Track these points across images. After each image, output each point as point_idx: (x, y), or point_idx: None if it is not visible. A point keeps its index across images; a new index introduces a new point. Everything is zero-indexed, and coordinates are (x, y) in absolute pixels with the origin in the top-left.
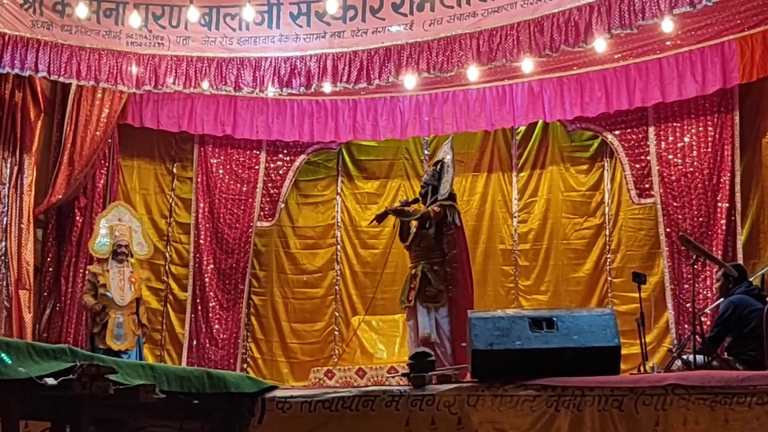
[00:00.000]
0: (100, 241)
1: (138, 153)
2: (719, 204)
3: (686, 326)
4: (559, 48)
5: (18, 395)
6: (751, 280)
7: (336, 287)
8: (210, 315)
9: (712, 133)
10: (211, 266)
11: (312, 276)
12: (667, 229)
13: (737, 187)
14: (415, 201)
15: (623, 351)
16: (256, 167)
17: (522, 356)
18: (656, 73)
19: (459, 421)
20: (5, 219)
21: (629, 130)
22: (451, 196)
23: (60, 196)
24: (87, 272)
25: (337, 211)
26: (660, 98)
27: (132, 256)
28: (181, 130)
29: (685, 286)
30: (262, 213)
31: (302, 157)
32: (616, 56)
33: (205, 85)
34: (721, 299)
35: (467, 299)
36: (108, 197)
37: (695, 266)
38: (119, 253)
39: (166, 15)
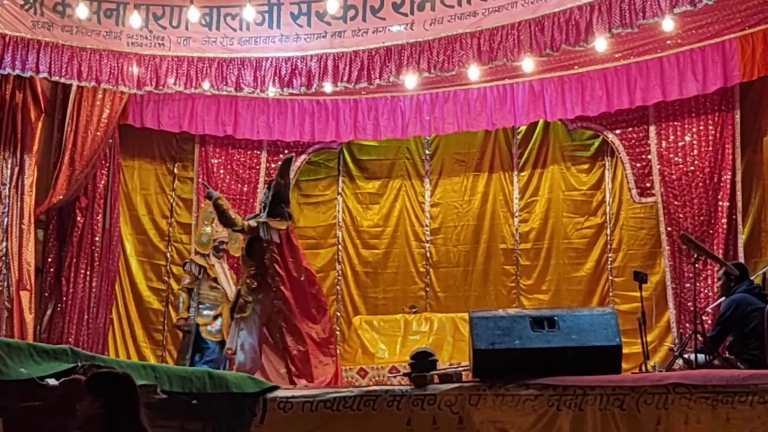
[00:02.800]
0: (203, 235)
1: (139, 153)
2: (720, 203)
3: (687, 325)
4: (560, 47)
5: (19, 396)
6: (752, 278)
7: (337, 287)
8: None
9: (713, 132)
10: None
11: None
12: (668, 228)
13: (738, 186)
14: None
15: (624, 350)
16: (257, 167)
17: (523, 356)
18: (657, 72)
19: (460, 421)
20: (6, 219)
21: (630, 129)
22: (281, 215)
23: (61, 197)
24: (189, 263)
25: (339, 211)
26: (661, 97)
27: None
28: (182, 130)
29: (687, 285)
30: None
31: (303, 157)
32: (616, 55)
33: (205, 85)
34: (723, 298)
35: (280, 313)
36: (109, 197)
37: (696, 265)
38: (221, 249)
39: (166, 15)
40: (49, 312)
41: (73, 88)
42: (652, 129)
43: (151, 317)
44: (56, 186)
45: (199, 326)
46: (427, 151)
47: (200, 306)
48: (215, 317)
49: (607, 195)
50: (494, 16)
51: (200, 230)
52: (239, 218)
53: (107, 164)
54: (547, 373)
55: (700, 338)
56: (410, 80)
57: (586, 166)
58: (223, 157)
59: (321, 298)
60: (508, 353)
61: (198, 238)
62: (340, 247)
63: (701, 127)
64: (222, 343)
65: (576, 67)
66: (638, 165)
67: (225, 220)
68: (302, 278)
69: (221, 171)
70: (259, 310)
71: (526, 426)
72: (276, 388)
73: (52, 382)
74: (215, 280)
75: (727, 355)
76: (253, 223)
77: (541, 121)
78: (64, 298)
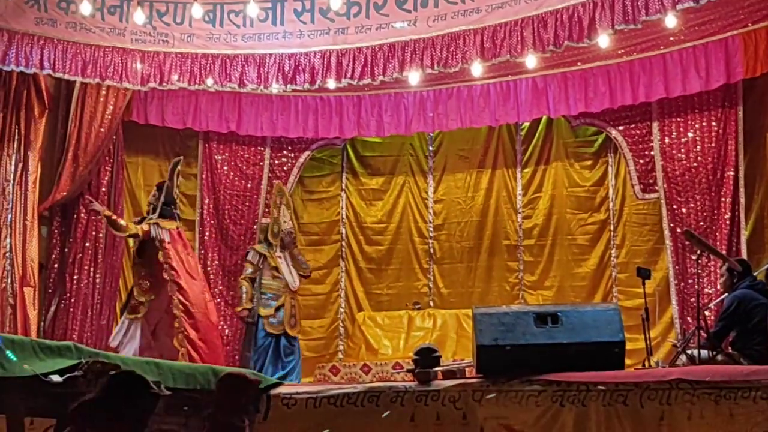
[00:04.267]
0: (275, 224)
1: (143, 150)
2: (723, 199)
3: (690, 321)
4: (563, 44)
5: (23, 392)
6: (755, 274)
7: (341, 283)
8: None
9: (716, 128)
10: (216, 263)
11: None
12: (672, 224)
13: (741, 182)
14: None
15: (628, 346)
16: (261, 164)
17: (527, 352)
18: (660, 69)
19: (464, 417)
20: (10, 216)
21: (633, 125)
22: (171, 215)
23: (65, 193)
24: (251, 251)
25: (342, 208)
26: (664, 93)
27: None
28: (186, 126)
29: (690, 281)
30: (266, 209)
31: (307, 153)
32: (619, 52)
33: (209, 81)
34: (726, 294)
35: (179, 305)
36: (113, 194)
37: (699, 261)
38: (289, 240)
39: (170, 12)
40: (52, 308)
41: (77, 85)
42: (655, 125)
43: None
44: (60, 182)
45: (262, 318)
46: (430, 148)
47: (262, 296)
48: (277, 308)
49: (611, 191)
50: (497, 12)
51: (271, 220)
52: (132, 224)
53: (111, 161)
54: (551, 369)
55: (703, 334)
56: (413, 77)
57: (589, 163)
58: (226, 154)
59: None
60: (511, 349)
61: (270, 230)
62: (343, 243)
63: (704, 124)
64: (286, 336)
65: (579, 63)
66: (641, 161)
67: (116, 227)
68: (195, 273)
69: (225, 167)
70: (151, 311)
71: (529, 422)
72: (279, 384)
73: (56, 378)
74: (276, 269)
75: (731, 351)
76: (145, 226)
77: (544, 118)
78: (68, 295)
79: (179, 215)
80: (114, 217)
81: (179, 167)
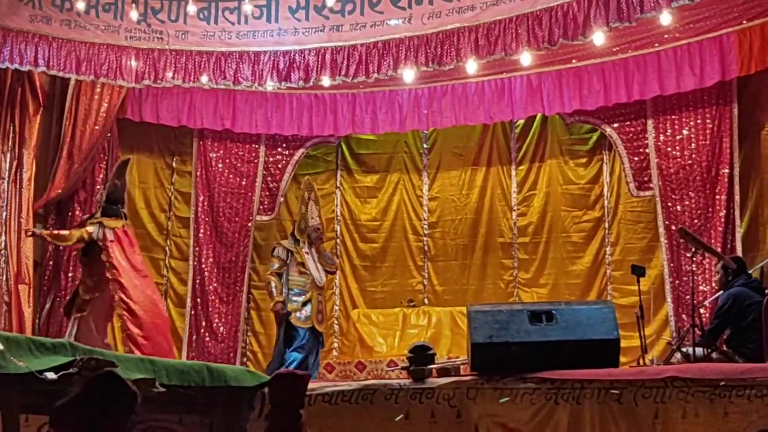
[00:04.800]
0: (303, 221)
1: (137, 147)
2: (718, 196)
3: (685, 319)
4: (558, 41)
5: (18, 389)
6: (750, 272)
7: (336, 281)
8: (210, 309)
9: (711, 126)
10: (211, 260)
11: None
12: (666, 222)
13: (736, 180)
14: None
15: (622, 344)
16: (256, 161)
17: (521, 349)
18: (655, 66)
19: (458, 415)
20: (4, 213)
21: (628, 122)
22: (116, 214)
23: (59, 191)
24: (278, 247)
25: (337, 205)
26: (658, 91)
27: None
28: (181, 124)
29: (684, 278)
30: (261, 207)
31: (301, 150)
32: (614, 49)
33: (204, 79)
34: (721, 292)
35: (121, 303)
36: None
37: (694, 259)
38: (317, 237)
39: (165, 9)
40: (47, 306)
41: (72, 82)
42: (650, 123)
43: None
44: (55, 180)
45: (289, 313)
46: (425, 145)
47: (289, 292)
48: (304, 303)
49: (605, 189)
50: (492, 9)
51: (300, 215)
52: (75, 231)
53: (106, 158)
54: (545, 367)
55: (698, 332)
56: (408, 74)
57: (584, 160)
58: (221, 151)
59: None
60: (506, 347)
61: (297, 223)
62: (338, 240)
63: (699, 121)
64: (311, 329)
65: (574, 61)
66: (636, 159)
67: (61, 240)
68: (140, 272)
69: (219, 165)
70: (97, 308)
71: (524, 420)
72: None
73: (50, 375)
74: (303, 265)
75: (725, 349)
76: (90, 228)
77: (539, 115)
78: (63, 292)
79: (126, 214)
80: (55, 232)
81: (127, 167)
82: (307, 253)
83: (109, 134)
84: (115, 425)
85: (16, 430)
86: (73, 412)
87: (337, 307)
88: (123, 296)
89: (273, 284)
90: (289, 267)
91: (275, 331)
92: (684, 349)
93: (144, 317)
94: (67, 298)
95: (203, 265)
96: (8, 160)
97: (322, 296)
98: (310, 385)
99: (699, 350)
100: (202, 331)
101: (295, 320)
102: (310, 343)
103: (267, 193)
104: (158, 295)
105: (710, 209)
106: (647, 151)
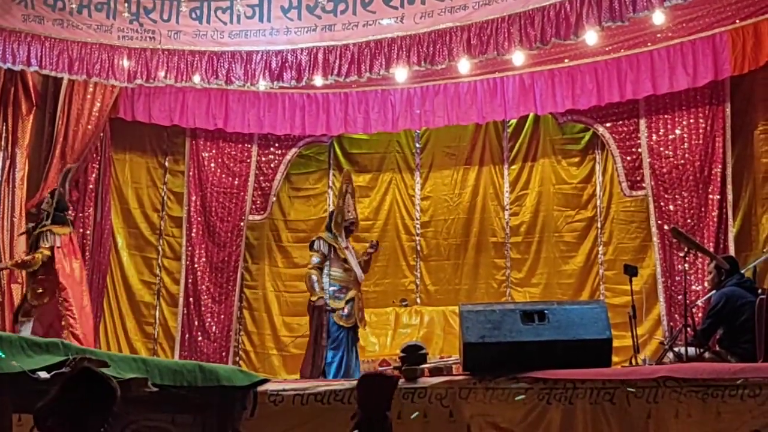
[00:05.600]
0: (339, 214)
1: (130, 147)
2: (711, 196)
3: (678, 318)
4: (550, 41)
5: (11, 389)
6: (743, 272)
7: None
8: (202, 308)
9: (704, 125)
10: (204, 260)
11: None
12: (659, 222)
13: (729, 179)
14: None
15: (615, 343)
16: (248, 161)
17: (513, 349)
18: (647, 66)
19: (451, 414)
20: None
21: (620, 122)
22: (63, 221)
23: (52, 190)
24: (318, 240)
25: (329, 205)
26: (651, 90)
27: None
28: (173, 123)
29: (677, 278)
30: (253, 206)
31: (294, 150)
32: (607, 48)
33: (196, 78)
34: (713, 291)
35: (65, 312)
36: (100, 191)
37: (687, 258)
38: (351, 230)
39: (157, 9)
40: None
41: (64, 82)
42: (643, 122)
43: (143, 310)
44: (47, 179)
45: (333, 309)
46: (417, 145)
47: (331, 288)
48: (347, 301)
49: (598, 188)
50: (484, 9)
51: (336, 207)
52: (38, 253)
53: (98, 157)
54: (538, 367)
55: (690, 331)
56: (400, 73)
57: (576, 160)
58: (213, 151)
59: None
60: (498, 347)
61: (334, 218)
62: None
63: (692, 121)
64: (353, 328)
65: (566, 60)
66: (628, 158)
67: (27, 266)
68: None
69: (212, 164)
70: (44, 314)
71: (516, 419)
72: (266, 381)
73: (43, 375)
74: (345, 260)
75: (718, 349)
76: (45, 243)
77: (531, 115)
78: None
79: (72, 220)
80: (19, 260)
81: (70, 175)
82: (347, 248)
83: (101, 134)
84: (98, 421)
85: (9, 430)
86: (55, 412)
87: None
88: (67, 304)
89: (314, 278)
90: (330, 262)
91: (268, 330)
92: (676, 349)
93: (80, 328)
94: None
95: (196, 265)
96: (1, 159)
97: (361, 293)
98: (303, 385)
99: (691, 350)
100: (195, 330)
101: (337, 318)
102: (347, 340)
103: (259, 193)
104: (87, 302)
105: (703, 209)
106: (640, 150)
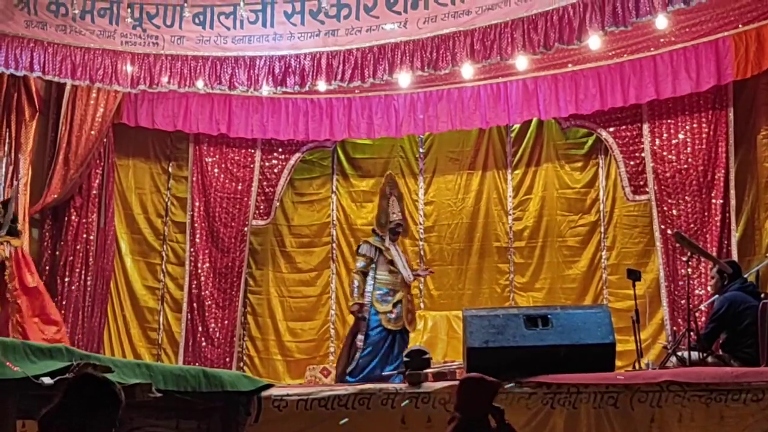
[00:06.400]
0: (382, 215)
1: (133, 152)
2: (714, 201)
3: (681, 323)
4: (554, 45)
5: (15, 395)
6: (746, 276)
7: (331, 285)
8: (206, 314)
9: (707, 130)
10: (207, 265)
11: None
12: (662, 226)
13: (732, 184)
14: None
15: (618, 348)
16: (252, 166)
17: (517, 354)
18: (650, 70)
19: None
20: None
21: (624, 127)
22: (16, 233)
23: (55, 196)
24: (365, 244)
25: (333, 210)
26: (654, 95)
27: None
28: (176, 129)
29: (680, 282)
30: (257, 211)
31: (297, 155)
32: (610, 53)
33: (199, 84)
34: (716, 296)
35: (17, 325)
36: (103, 196)
37: (690, 263)
38: (397, 232)
39: (160, 14)
40: None
41: (68, 87)
42: (646, 127)
43: (147, 316)
44: (51, 185)
45: (379, 314)
46: (420, 150)
47: (377, 292)
48: (395, 304)
49: (601, 193)
50: (488, 14)
51: (379, 210)
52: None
53: (102, 163)
54: (541, 371)
55: (693, 336)
56: (404, 78)
57: (579, 164)
58: (217, 156)
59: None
60: (502, 351)
61: (377, 218)
62: (334, 245)
63: (695, 125)
64: (402, 331)
65: (569, 65)
66: (632, 163)
67: None
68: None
69: (215, 170)
70: None
71: (520, 424)
72: (270, 386)
73: (47, 380)
74: (392, 263)
75: (721, 353)
76: (6, 252)
77: (534, 120)
78: (59, 297)
79: (21, 232)
80: None
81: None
82: (396, 251)
83: (105, 139)
84: (103, 427)
85: None
86: (59, 418)
87: (333, 312)
88: (18, 317)
89: (356, 282)
90: (377, 266)
91: (272, 336)
92: (680, 353)
93: (32, 336)
94: (64, 302)
95: (199, 270)
96: (4, 165)
97: (411, 295)
98: (307, 390)
99: (694, 354)
100: (199, 335)
101: (385, 322)
102: (389, 344)
103: (263, 198)
104: (57, 315)
105: (706, 213)
106: (643, 155)
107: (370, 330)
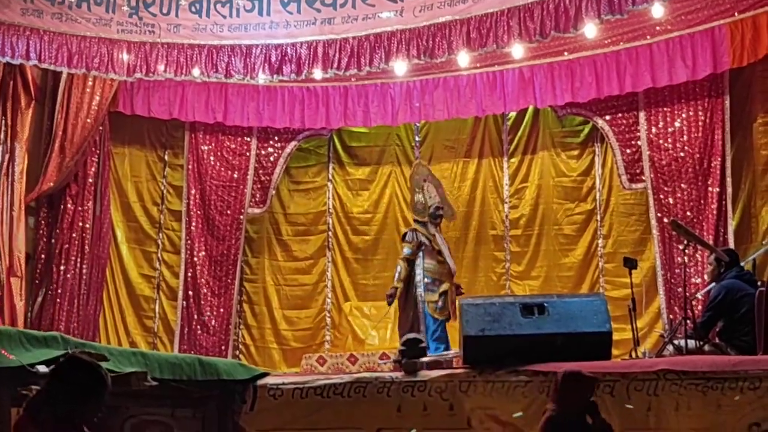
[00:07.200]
0: (417, 203)
1: (129, 140)
2: (710, 189)
3: (678, 311)
4: (550, 34)
5: (10, 383)
6: (742, 264)
7: (327, 274)
8: (202, 302)
9: (703, 118)
10: (203, 253)
11: None
12: (658, 214)
13: (728, 172)
14: None
15: (615, 336)
16: (247, 154)
17: (513, 342)
18: (647, 58)
19: (451, 408)
20: None
21: (620, 115)
22: None
23: (51, 184)
24: (412, 232)
25: (329, 198)
26: (650, 83)
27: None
28: (172, 117)
29: (677, 271)
30: (253, 200)
31: (293, 143)
32: (606, 42)
33: (195, 72)
34: (713, 284)
35: None
36: (99, 184)
37: (686, 251)
38: (437, 215)
39: (156, 3)
40: (39, 299)
41: (64, 76)
42: (642, 115)
43: (143, 304)
44: (47, 173)
45: (426, 303)
46: (416, 138)
47: (425, 280)
48: (441, 294)
49: (597, 181)
50: (484, 2)
51: (414, 199)
52: None
53: (98, 151)
54: (538, 360)
55: (690, 324)
56: (400, 67)
57: (576, 153)
58: (213, 144)
59: None
60: (498, 340)
61: (413, 207)
62: (330, 233)
63: (691, 113)
64: (448, 320)
65: (566, 53)
66: (628, 151)
67: None
68: None
69: (211, 158)
70: None
71: (516, 412)
72: (266, 374)
73: (42, 369)
74: (440, 252)
75: (718, 341)
76: None
77: (530, 108)
78: (55, 285)
79: None
80: None
81: None
82: (438, 238)
83: (100, 127)
84: (90, 410)
85: (7, 423)
86: (46, 404)
87: (329, 300)
88: None
89: (398, 268)
90: (424, 254)
91: (268, 324)
92: (676, 342)
93: None
94: (59, 290)
95: (195, 258)
96: (0, 153)
97: (454, 285)
98: (303, 378)
99: (691, 343)
100: (194, 324)
101: (432, 311)
102: (443, 333)
103: (259, 186)
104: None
105: (702, 201)
106: (639, 143)
107: (428, 321)
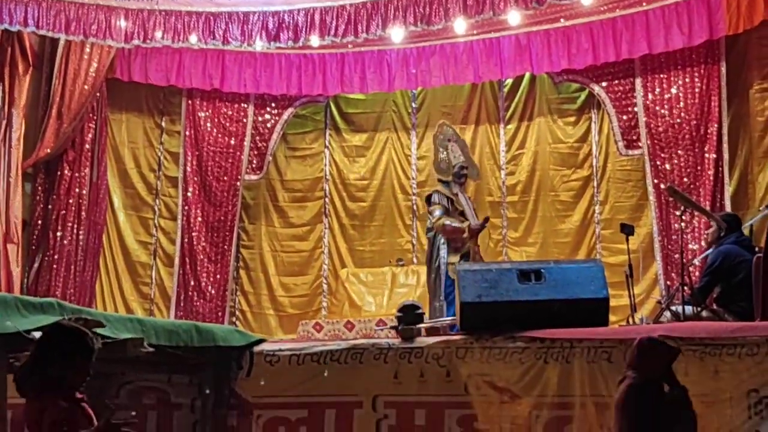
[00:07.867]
0: (441, 162)
1: (126, 107)
2: (707, 155)
3: (675, 277)
4: (546, 0)
5: (5, 349)
6: (741, 230)
7: (324, 240)
8: (198, 268)
9: (699, 85)
10: (200, 219)
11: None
12: (655, 181)
13: (725, 138)
14: None
15: (612, 303)
16: (244, 120)
17: (510, 308)
18: (643, 25)
19: (448, 374)
20: None
21: (616, 81)
22: None
23: (48, 150)
24: (435, 193)
25: (325, 164)
26: (647, 50)
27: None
28: (170, 83)
29: (674, 237)
30: (250, 166)
31: (290, 110)
32: (602, 8)
33: (193, 39)
34: (710, 249)
35: None
36: (96, 151)
37: (683, 217)
38: (462, 174)
39: None
40: (36, 265)
41: (61, 42)
42: (638, 81)
43: (139, 271)
44: (44, 139)
45: (448, 265)
46: (413, 104)
47: (449, 242)
48: (463, 256)
49: (594, 147)
50: None
51: (438, 158)
52: None
53: (95, 118)
54: (535, 326)
55: (687, 290)
56: (397, 34)
57: (572, 119)
58: (210, 111)
59: None
60: (495, 306)
61: (437, 167)
62: (326, 200)
63: (687, 80)
64: None
65: (562, 20)
66: (624, 117)
67: None
68: None
69: (208, 124)
70: None
71: (513, 379)
72: (263, 341)
73: (38, 335)
74: (462, 213)
75: (715, 308)
76: None
77: (527, 74)
78: (51, 252)
79: None
80: None
81: None
82: (462, 197)
83: (98, 94)
84: (77, 376)
85: (3, 390)
86: (33, 372)
87: (325, 266)
88: None
89: (448, 221)
90: (450, 214)
91: (264, 291)
92: (673, 308)
93: None
94: (56, 257)
95: (192, 225)
96: None
97: (477, 246)
98: (299, 345)
99: (689, 309)
100: (191, 290)
101: (452, 273)
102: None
103: (255, 153)
104: None
105: (699, 168)
106: (636, 109)
107: (444, 283)
